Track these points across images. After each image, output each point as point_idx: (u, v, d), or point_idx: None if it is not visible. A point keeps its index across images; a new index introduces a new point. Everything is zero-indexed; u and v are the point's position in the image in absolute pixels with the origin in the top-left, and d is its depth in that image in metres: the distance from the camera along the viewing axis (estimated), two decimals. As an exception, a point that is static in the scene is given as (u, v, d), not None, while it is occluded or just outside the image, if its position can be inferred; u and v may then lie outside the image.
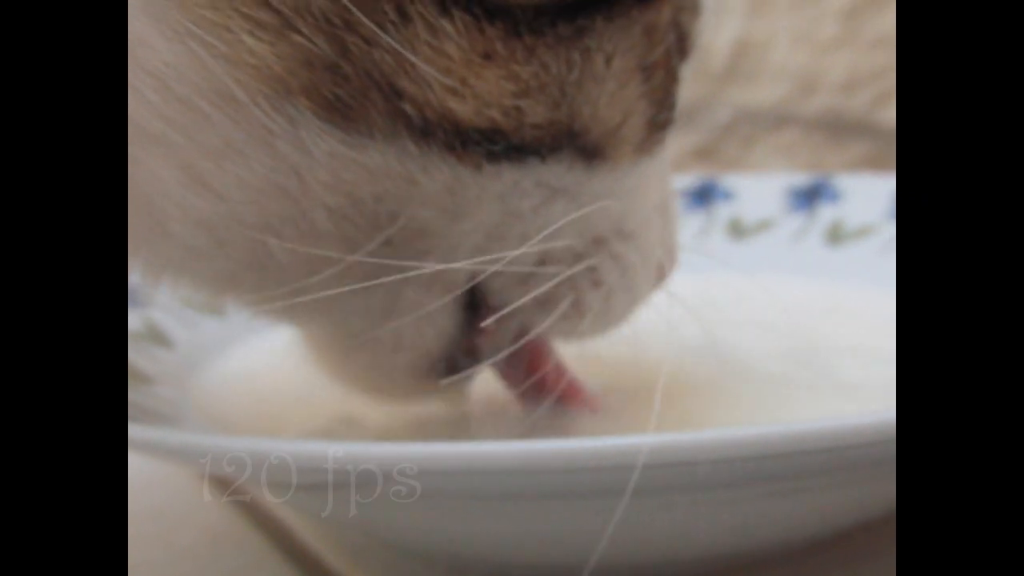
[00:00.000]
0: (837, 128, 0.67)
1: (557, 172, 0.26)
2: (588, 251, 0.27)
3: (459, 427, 0.31)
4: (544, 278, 0.27)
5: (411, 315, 0.27)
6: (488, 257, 0.26)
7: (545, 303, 0.27)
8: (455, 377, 0.28)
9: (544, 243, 0.26)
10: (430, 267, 0.25)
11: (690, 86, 0.28)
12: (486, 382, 0.30)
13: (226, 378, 0.37)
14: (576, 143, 0.25)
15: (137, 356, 0.36)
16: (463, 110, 0.23)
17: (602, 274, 0.28)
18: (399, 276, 0.25)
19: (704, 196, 0.50)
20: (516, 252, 0.26)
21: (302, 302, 0.26)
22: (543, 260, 0.27)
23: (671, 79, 0.27)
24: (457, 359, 0.29)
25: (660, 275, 0.30)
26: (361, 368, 0.30)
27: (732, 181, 0.51)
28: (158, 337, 0.38)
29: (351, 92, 0.23)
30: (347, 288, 0.25)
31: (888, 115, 0.67)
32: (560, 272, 0.27)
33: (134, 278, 0.27)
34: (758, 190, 0.50)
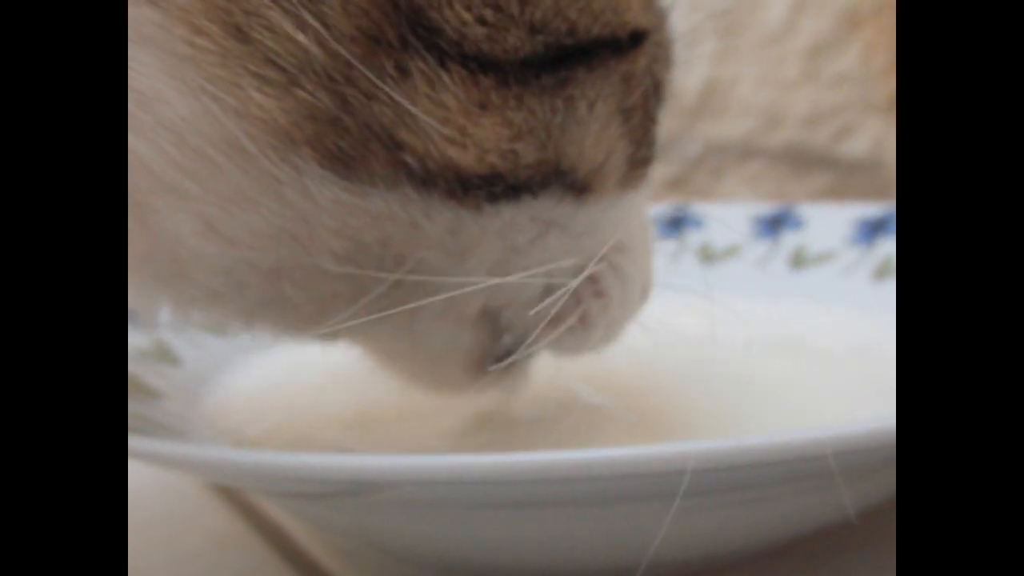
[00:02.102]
0: (800, 160, 0.69)
1: (548, 205, 0.26)
2: (588, 265, 0.28)
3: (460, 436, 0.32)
4: (551, 297, 0.27)
5: (436, 338, 0.28)
6: (494, 280, 0.26)
7: (554, 319, 0.28)
8: (501, 365, 0.29)
9: (547, 268, 0.27)
10: (440, 297, 0.26)
11: (663, 122, 0.30)
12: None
13: (230, 393, 0.38)
14: (564, 180, 0.26)
15: (146, 373, 0.37)
16: (464, 158, 0.24)
17: (603, 284, 0.29)
18: (410, 306, 0.26)
19: (676, 223, 0.51)
20: (519, 276, 0.26)
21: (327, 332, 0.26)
22: (549, 284, 0.28)
23: (649, 120, 0.29)
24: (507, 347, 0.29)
25: (644, 294, 0.31)
26: (415, 372, 0.30)
27: (702, 209, 0.52)
28: (166, 355, 0.39)
29: (352, 144, 0.23)
30: (359, 318, 0.26)
31: (847, 148, 0.69)
32: (566, 286, 0.27)
33: (164, 313, 0.28)
34: (726, 218, 0.51)
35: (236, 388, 0.38)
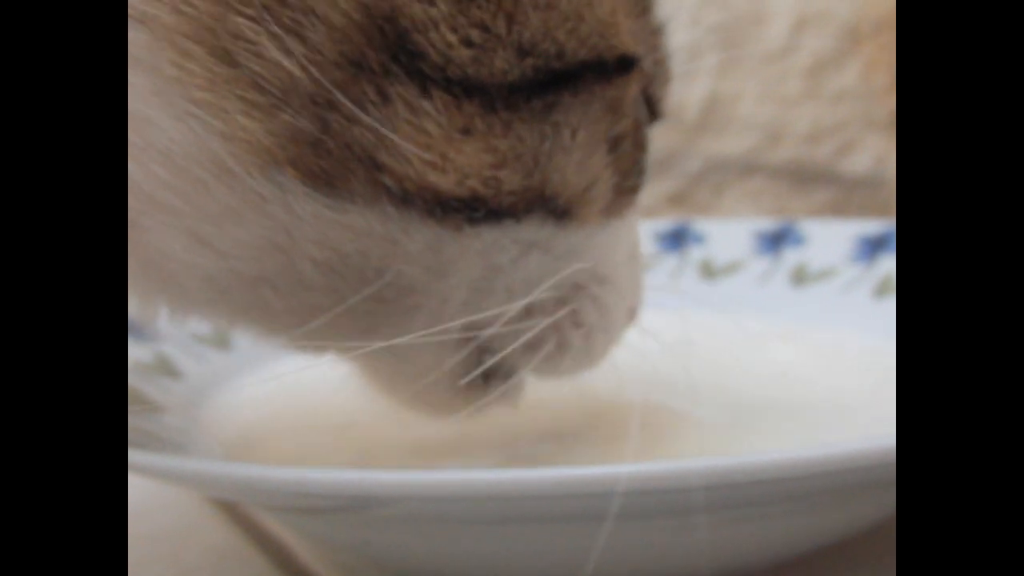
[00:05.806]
0: (801, 176, 0.69)
1: (531, 228, 0.27)
2: (568, 296, 0.28)
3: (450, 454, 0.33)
4: (531, 325, 0.28)
5: (419, 361, 0.28)
6: (478, 317, 0.27)
7: (532, 344, 0.28)
8: (492, 396, 0.29)
9: (528, 297, 0.27)
10: (419, 336, 0.26)
11: (665, 137, 0.30)
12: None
13: (231, 407, 0.38)
14: (548, 206, 0.26)
15: (148, 386, 0.37)
16: (444, 182, 0.25)
17: (583, 315, 0.29)
18: (391, 343, 0.26)
19: (677, 239, 0.51)
20: (500, 310, 0.27)
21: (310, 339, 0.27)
22: (529, 309, 0.28)
23: (639, 149, 0.29)
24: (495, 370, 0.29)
25: (631, 316, 0.31)
26: (399, 390, 0.31)
27: (704, 225, 0.52)
28: (168, 369, 0.39)
29: (333, 164, 0.24)
30: (338, 327, 0.26)
31: (849, 164, 0.69)
32: (545, 319, 0.28)
33: (161, 316, 0.29)
34: (728, 234, 0.51)
35: (237, 402, 0.38)
